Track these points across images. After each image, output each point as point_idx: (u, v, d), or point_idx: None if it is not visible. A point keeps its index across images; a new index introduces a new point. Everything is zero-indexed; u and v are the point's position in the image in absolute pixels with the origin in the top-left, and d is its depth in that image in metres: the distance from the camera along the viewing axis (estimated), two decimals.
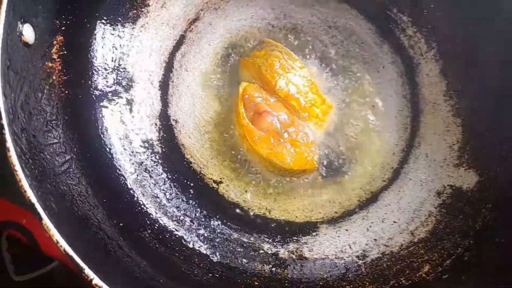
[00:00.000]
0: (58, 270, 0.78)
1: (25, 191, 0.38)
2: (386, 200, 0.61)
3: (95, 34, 0.58)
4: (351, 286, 0.54)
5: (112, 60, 0.60)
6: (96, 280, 0.36)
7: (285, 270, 0.55)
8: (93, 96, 0.57)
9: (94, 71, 0.58)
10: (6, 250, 0.77)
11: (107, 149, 0.56)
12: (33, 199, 0.38)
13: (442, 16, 0.65)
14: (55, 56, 0.52)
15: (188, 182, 0.60)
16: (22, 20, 0.46)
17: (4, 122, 0.40)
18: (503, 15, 0.58)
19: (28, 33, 0.47)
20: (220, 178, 0.61)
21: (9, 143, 0.39)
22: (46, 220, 0.38)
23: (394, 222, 0.59)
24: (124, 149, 0.58)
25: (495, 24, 0.58)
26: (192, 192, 0.59)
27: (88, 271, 0.37)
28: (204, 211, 0.58)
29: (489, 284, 0.47)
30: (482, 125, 0.60)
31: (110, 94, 0.59)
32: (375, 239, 0.58)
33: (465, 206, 0.57)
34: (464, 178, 0.59)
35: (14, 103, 0.43)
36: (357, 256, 0.57)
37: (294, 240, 0.58)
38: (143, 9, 0.63)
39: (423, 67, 0.66)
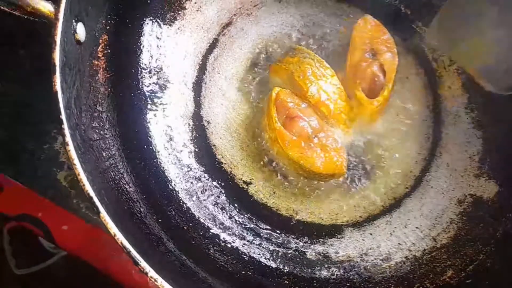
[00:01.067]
0: (58, 265, 0.79)
1: (83, 185, 0.40)
2: (409, 207, 0.63)
3: (137, 35, 0.60)
4: (377, 287, 0.56)
5: (151, 61, 0.62)
6: (152, 273, 0.38)
7: (313, 270, 0.57)
8: (133, 94, 0.59)
9: (134, 70, 0.60)
10: (8, 243, 0.78)
11: (148, 145, 0.58)
12: (92, 193, 0.39)
13: None
14: (100, 55, 0.54)
15: (220, 182, 0.62)
16: (76, 19, 0.47)
17: (63, 117, 0.41)
18: None
19: (80, 31, 0.49)
20: (250, 179, 0.63)
21: (68, 138, 0.41)
22: (104, 214, 0.39)
23: (417, 228, 0.62)
24: (164, 146, 0.59)
25: None
26: (223, 191, 0.61)
27: (144, 264, 0.38)
28: (235, 210, 0.60)
29: None
30: (502, 138, 0.63)
31: (148, 93, 0.60)
32: (398, 244, 0.60)
33: (486, 215, 0.59)
34: (484, 188, 0.61)
35: (69, 99, 0.44)
36: (382, 259, 0.59)
37: (320, 241, 0.60)
38: (180, 12, 0.65)
39: (446, 80, 0.69)
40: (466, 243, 0.58)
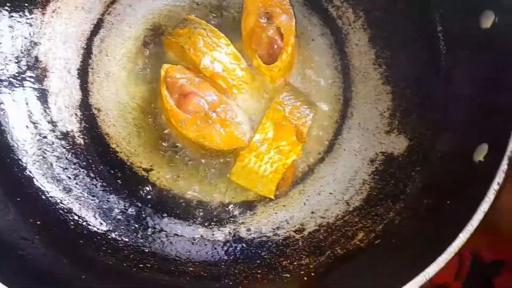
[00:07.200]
0: None
1: None
2: (322, 173, 0.61)
3: None
4: (288, 261, 0.53)
5: (20, 50, 0.56)
6: None
7: (222, 253, 0.54)
8: None
9: None
10: None
11: (12, 145, 0.52)
12: None
13: None
14: None
15: (116, 173, 0.57)
16: None
17: None
18: None
19: None
20: (150, 166, 0.59)
21: None
22: None
23: (330, 193, 0.59)
24: (36, 144, 0.54)
25: None
26: (120, 182, 0.57)
27: None
28: (135, 202, 0.56)
29: (417, 247, 0.48)
30: (410, 91, 0.60)
31: (18, 85, 0.55)
32: (312, 212, 0.58)
33: (396, 171, 0.57)
34: (395, 144, 0.59)
35: None
36: (294, 231, 0.57)
37: (231, 221, 0.57)
38: None
39: (352, 37, 0.66)
40: (377, 203, 0.56)
